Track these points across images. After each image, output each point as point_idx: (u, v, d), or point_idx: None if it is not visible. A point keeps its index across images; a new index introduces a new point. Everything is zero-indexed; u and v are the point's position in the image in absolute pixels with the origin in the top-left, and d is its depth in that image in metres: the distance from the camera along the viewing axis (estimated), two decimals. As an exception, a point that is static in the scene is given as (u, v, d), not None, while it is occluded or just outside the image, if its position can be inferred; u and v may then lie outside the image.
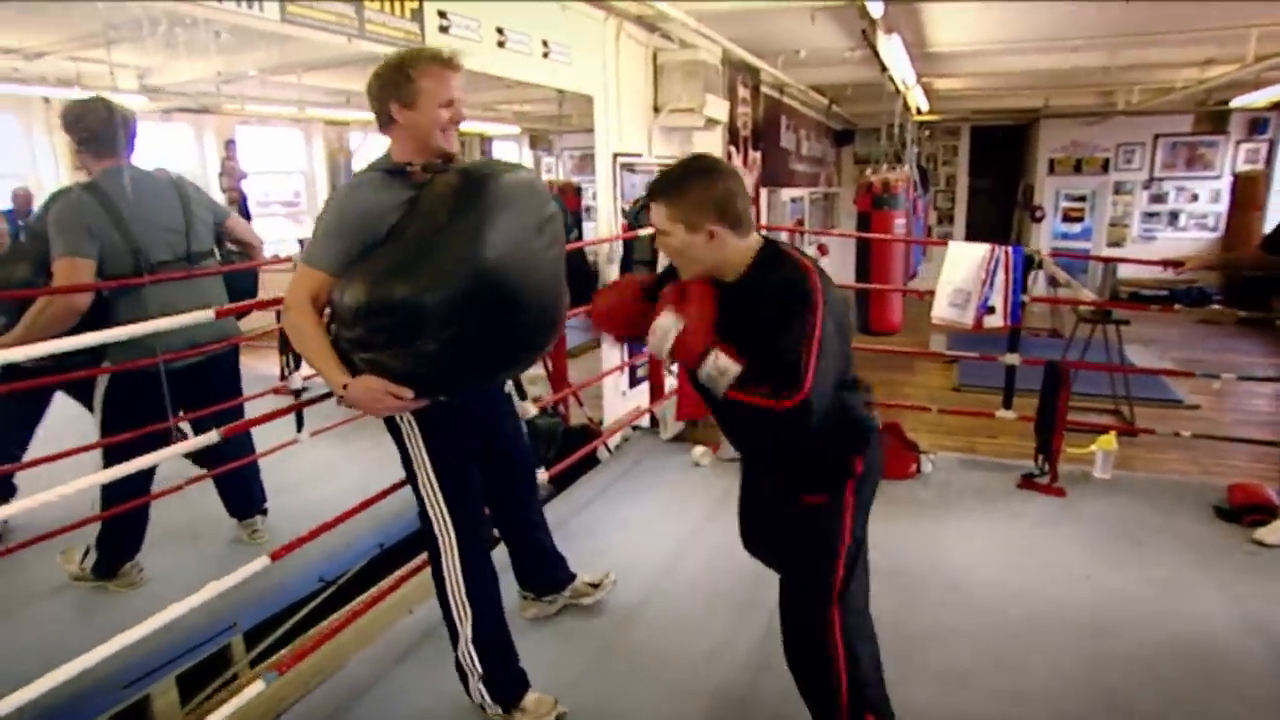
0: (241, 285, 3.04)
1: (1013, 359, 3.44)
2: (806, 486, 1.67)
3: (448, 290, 1.64)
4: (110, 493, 2.61)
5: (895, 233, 5.39)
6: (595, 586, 2.49)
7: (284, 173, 9.19)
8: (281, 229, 8.84)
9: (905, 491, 3.43)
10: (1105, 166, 10.54)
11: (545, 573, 2.44)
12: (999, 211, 11.66)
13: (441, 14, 2.94)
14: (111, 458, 2.55)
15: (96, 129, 2.43)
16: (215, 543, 3.05)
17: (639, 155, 4.75)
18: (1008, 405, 3.54)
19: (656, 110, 4.91)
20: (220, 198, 8.41)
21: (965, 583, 2.64)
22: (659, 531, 3.07)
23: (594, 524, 3.16)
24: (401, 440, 1.88)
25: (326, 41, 2.49)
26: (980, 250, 3.34)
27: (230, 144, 7.98)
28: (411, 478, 1.91)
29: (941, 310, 3.44)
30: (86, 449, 2.64)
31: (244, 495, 3.00)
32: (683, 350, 1.50)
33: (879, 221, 5.37)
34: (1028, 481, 3.40)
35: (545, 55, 3.66)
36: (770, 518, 1.88)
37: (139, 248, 2.43)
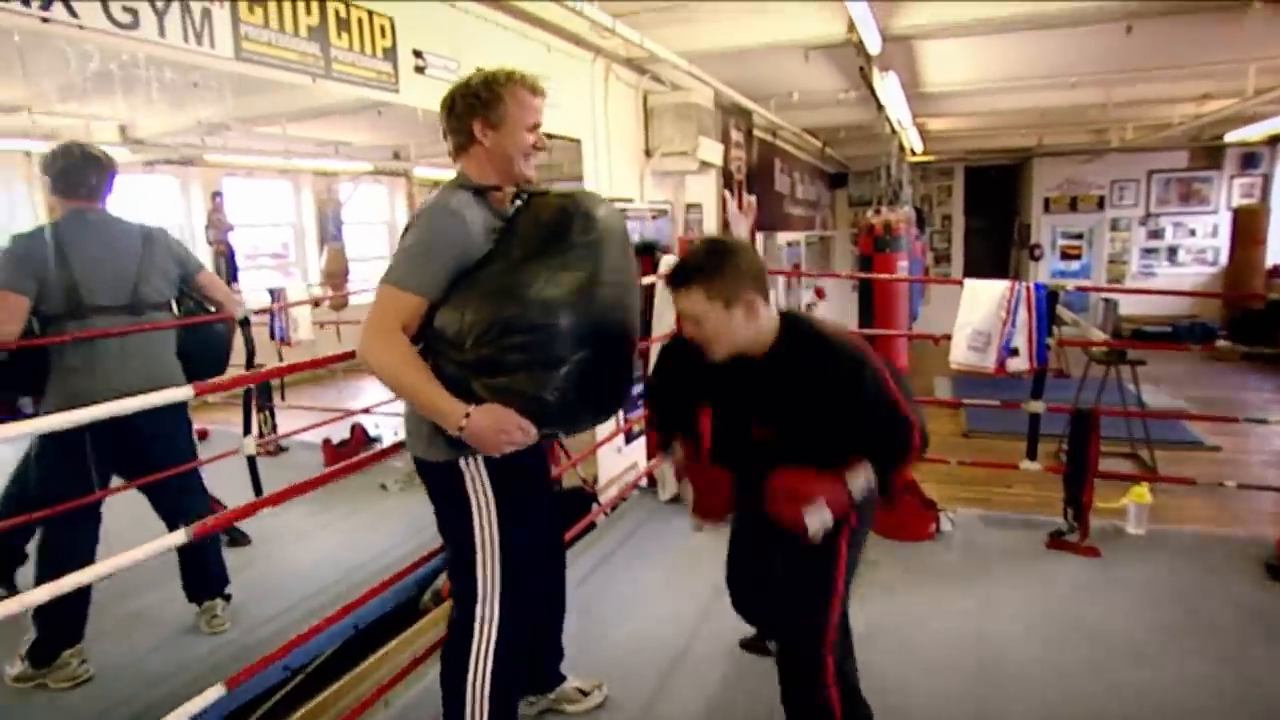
0: (206, 343, 2.83)
1: (1037, 406, 3.19)
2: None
3: (579, 313, 1.57)
4: (45, 561, 2.40)
5: (899, 274, 5.19)
6: (584, 694, 2.17)
7: (272, 225, 9.02)
8: (270, 281, 8.65)
9: (927, 555, 3.15)
10: (1101, 204, 10.48)
11: (540, 667, 2.13)
12: (996, 250, 11.55)
13: (417, 53, 2.76)
14: (44, 522, 2.39)
15: (67, 171, 2.40)
16: (169, 629, 2.75)
17: (631, 200, 4.56)
18: (1032, 456, 3.29)
19: (648, 154, 4.75)
20: (207, 251, 8.26)
21: (1004, 662, 2.35)
22: (662, 614, 2.75)
23: (591, 601, 2.86)
24: (464, 500, 1.64)
25: (291, 83, 2.29)
26: (999, 288, 3.11)
27: (217, 196, 7.81)
28: (463, 544, 1.67)
29: (960, 354, 3.20)
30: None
31: (200, 576, 2.70)
32: (839, 509, 1.56)
33: (882, 264, 5.19)
34: (1058, 541, 3.12)
35: (531, 97, 3.48)
36: (765, 572, 1.94)
37: (75, 287, 2.33)
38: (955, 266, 11.58)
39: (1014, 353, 3.09)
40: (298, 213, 9.00)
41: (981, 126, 8.18)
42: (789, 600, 1.78)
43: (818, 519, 1.55)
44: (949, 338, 3.31)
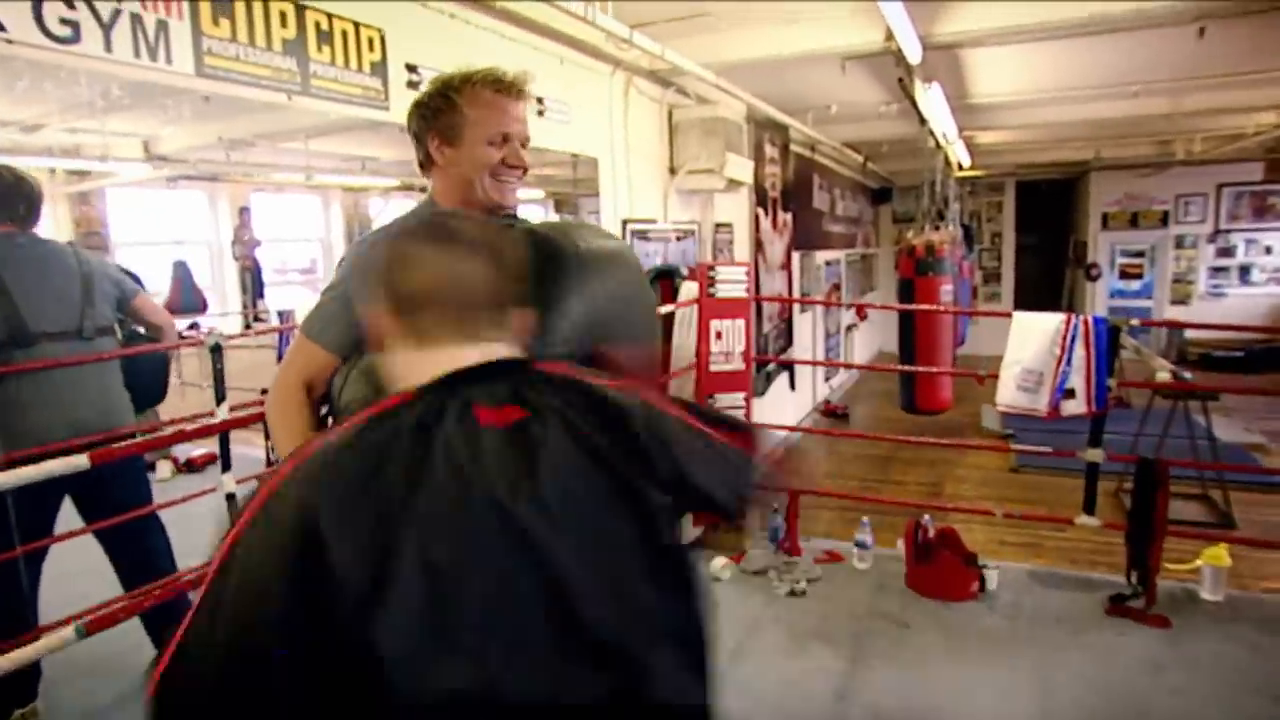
0: (141, 376, 2.70)
1: (1096, 455, 2.87)
2: None
3: None
4: None
5: (942, 301, 4.88)
6: None
7: (300, 240, 9.04)
8: (297, 297, 8.63)
9: (967, 618, 2.85)
10: (1164, 220, 9.93)
11: None
12: (1049, 269, 11.06)
13: (410, 67, 2.59)
14: None
15: None
16: (133, 680, 2.58)
17: (653, 221, 4.35)
18: (1089, 510, 2.96)
19: (673, 172, 4.54)
20: (233, 266, 8.29)
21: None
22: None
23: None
24: None
25: (264, 101, 2.13)
26: (1053, 322, 2.81)
27: (244, 211, 7.84)
28: None
29: (1008, 395, 2.90)
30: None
31: (169, 623, 2.53)
32: None
33: (923, 289, 4.87)
34: (1119, 606, 2.79)
35: (540, 114, 3.30)
36: None
37: (16, 312, 2.19)
38: (1005, 286, 11.13)
39: (1069, 394, 2.79)
40: (326, 228, 9.00)
41: (1034, 139, 7.79)
42: None
43: None
44: (995, 376, 3.01)
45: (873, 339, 10.87)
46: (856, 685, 2.41)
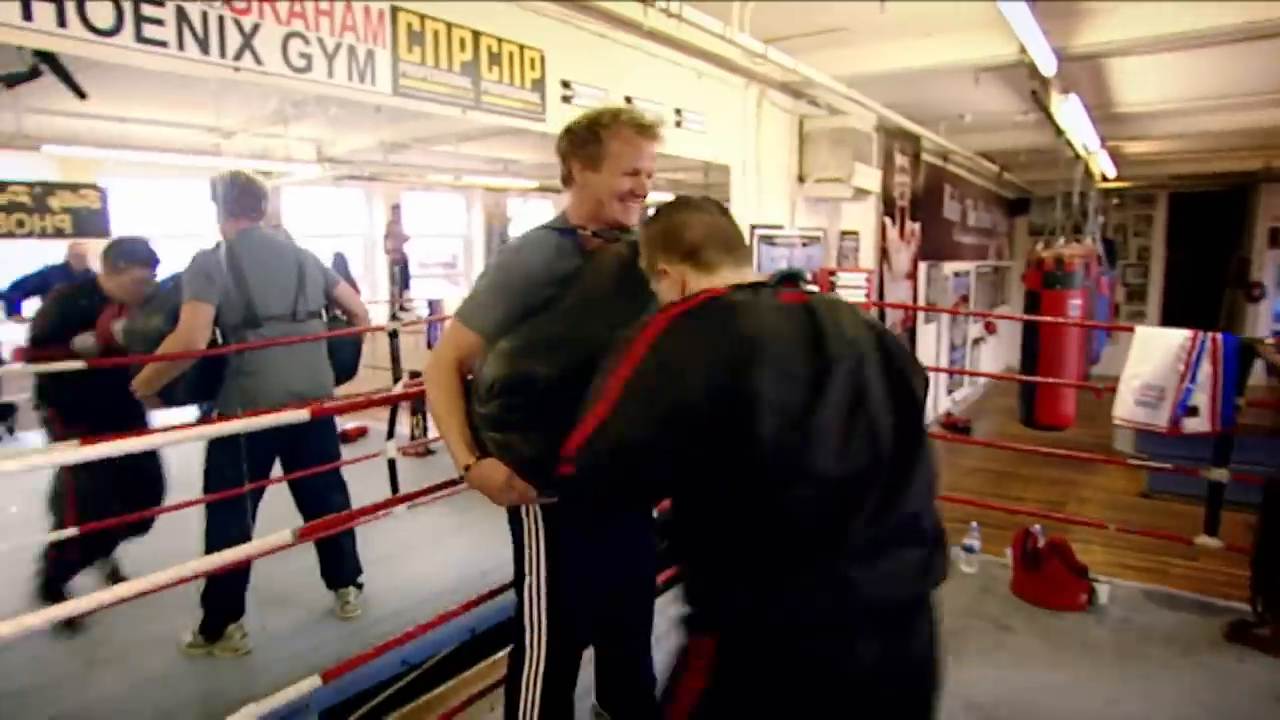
0: (341, 354, 3.10)
1: (1220, 474, 2.82)
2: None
3: (569, 370, 1.48)
4: (214, 543, 2.64)
5: (1069, 314, 4.78)
6: None
7: (444, 236, 9.73)
8: (438, 288, 9.33)
9: (1072, 627, 2.86)
10: (1339, 237, 9.08)
11: (635, 706, 2.05)
12: (1204, 289, 10.32)
13: (565, 83, 2.90)
14: (213, 507, 2.67)
15: (235, 195, 2.66)
16: (310, 612, 3.02)
17: (780, 227, 4.53)
18: (1211, 531, 2.91)
19: (801, 180, 4.70)
20: (384, 259, 9.03)
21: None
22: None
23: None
24: (519, 533, 1.70)
25: (442, 114, 2.49)
26: (1178, 337, 2.79)
27: (396, 208, 8.55)
28: (518, 577, 1.72)
29: (1126, 409, 2.89)
30: (187, 504, 2.70)
31: (337, 564, 2.97)
32: None
33: (1050, 302, 4.79)
34: (1239, 632, 2.73)
35: (678, 124, 3.56)
36: None
37: (251, 299, 2.59)
38: (1151, 305, 10.48)
39: (1191, 412, 2.76)
40: (468, 225, 9.66)
41: (1191, 149, 7.38)
42: None
43: None
44: (1114, 389, 3.00)
45: (1000, 354, 10.51)
46: (952, 679, 2.50)
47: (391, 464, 3.05)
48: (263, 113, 5.26)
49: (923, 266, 7.37)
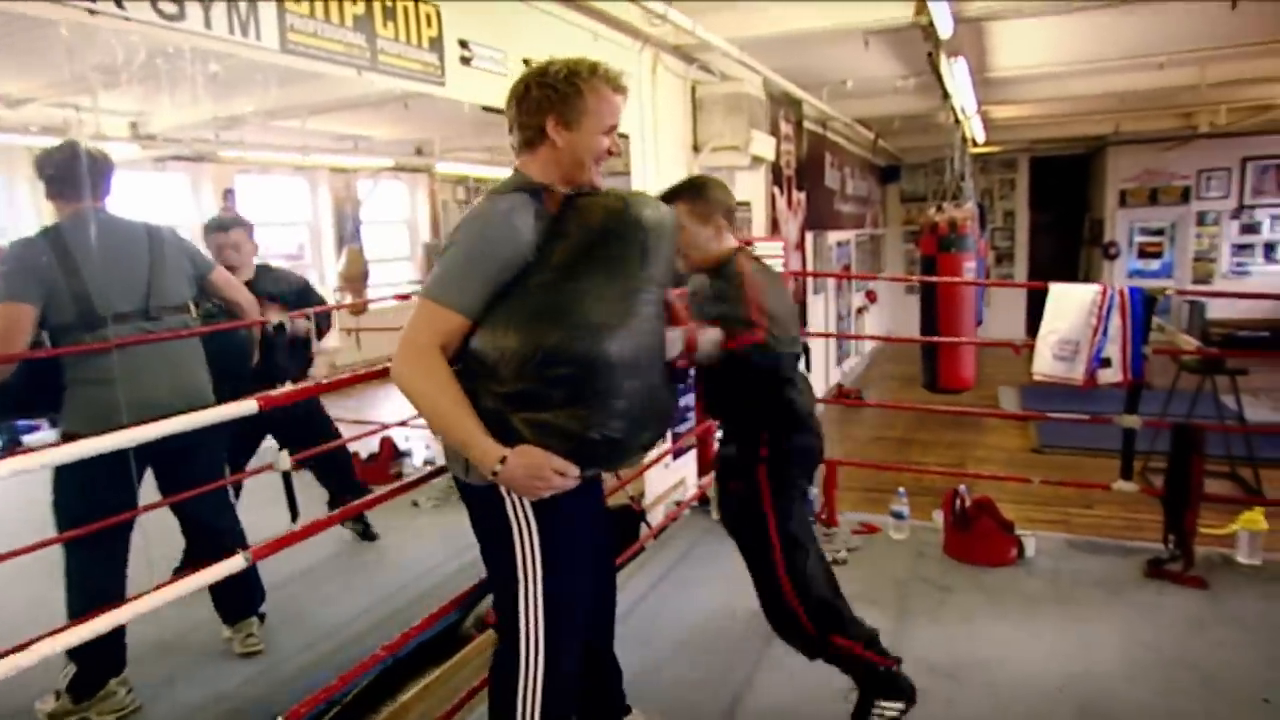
0: (230, 349, 2.88)
1: (1132, 421, 3.13)
2: (729, 473, 2.24)
3: (628, 336, 1.54)
4: (78, 591, 2.42)
5: (965, 277, 5.13)
6: None
7: (287, 224, 9.16)
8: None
9: (1007, 581, 3.10)
10: (1185, 196, 10.25)
11: (605, 695, 2.11)
12: (1064, 249, 11.40)
13: (463, 43, 2.80)
14: (71, 547, 2.41)
15: (62, 172, 2.39)
16: (198, 652, 2.79)
17: (678, 197, 4.57)
18: (1127, 475, 3.22)
19: (696, 149, 4.76)
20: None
21: (1111, 710, 2.30)
22: (724, 646, 2.75)
23: (645, 628, 2.86)
24: (505, 527, 1.61)
25: (330, 75, 2.33)
26: (1089, 293, 3.07)
27: (228, 194, 7.96)
28: (505, 574, 1.64)
29: (1045, 365, 3.15)
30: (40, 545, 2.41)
31: (236, 594, 2.73)
32: (690, 347, 1.81)
33: (946, 265, 5.11)
34: (1157, 569, 3.06)
35: (576, 88, 3.50)
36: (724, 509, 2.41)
37: (87, 295, 2.33)
38: (1019, 266, 11.46)
39: (1105, 363, 3.04)
40: (314, 211, 9.12)
41: (1051, 114, 8.06)
42: (737, 529, 2.26)
43: (671, 339, 1.74)
44: (1031, 346, 3.26)
45: (882, 323, 11.16)
46: (905, 641, 2.64)
47: (286, 477, 2.85)
48: (61, 76, 4.74)
49: (809, 237, 7.67)
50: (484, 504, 1.62)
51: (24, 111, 5.31)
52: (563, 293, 1.52)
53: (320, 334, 3.59)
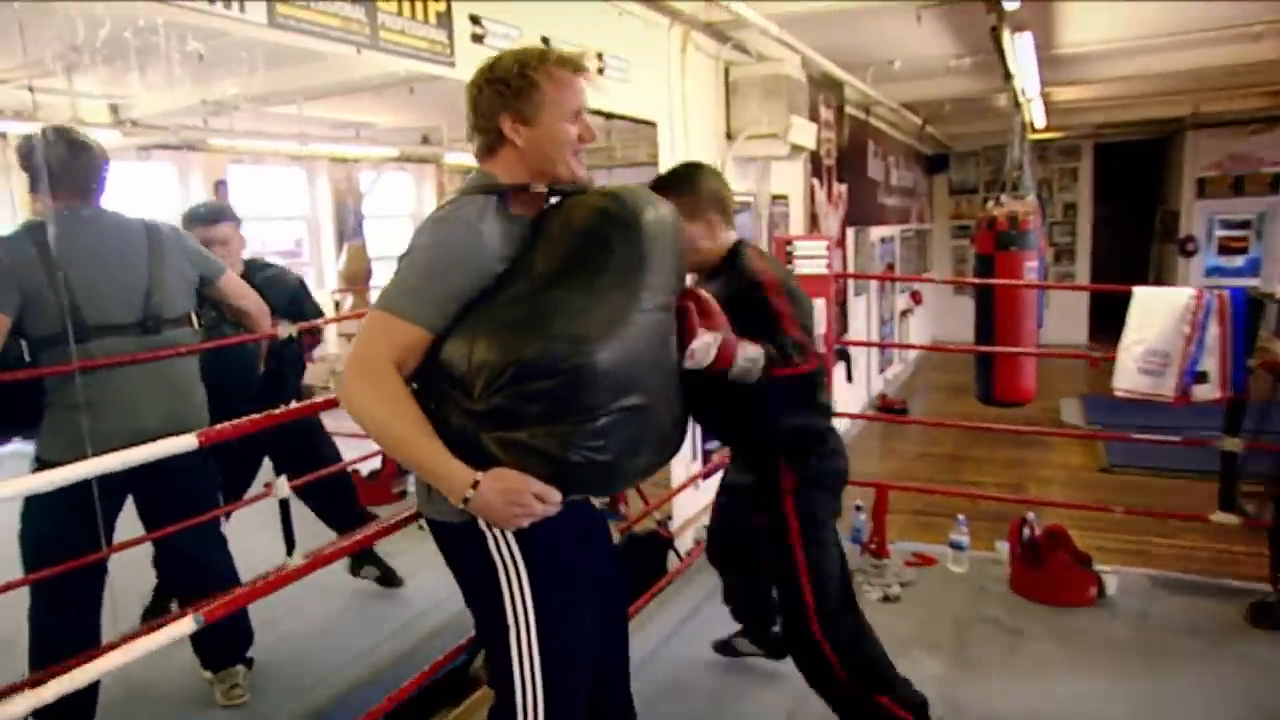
0: (237, 362, 2.79)
1: (1234, 444, 2.96)
2: (746, 505, 2.23)
3: (618, 350, 1.46)
4: (43, 641, 2.31)
5: (1026, 278, 4.96)
6: None
7: (284, 218, 9.13)
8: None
9: (1087, 625, 2.94)
10: (1275, 184, 9.84)
11: None
12: (1131, 244, 11.13)
13: (474, 19, 2.70)
14: (38, 593, 2.30)
15: (51, 163, 2.26)
16: (182, 700, 2.70)
17: (710, 190, 4.45)
18: (1227, 506, 3.05)
19: (729, 137, 4.64)
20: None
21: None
22: (764, 694, 2.62)
23: (677, 672, 2.73)
24: (488, 568, 1.53)
25: (326, 54, 2.24)
26: (1182, 297, 2.90)
27: (220, 186, 7.93)
28: (492, 621, 1.56)
29: (1128, 379, 2.99)
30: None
31: (222, 638, 2.62)
32: (724, 354, 1.71)
33: (1005, 265, 4.94)
34: (1263, 615, 2.88)
35: (600, 71, 3.40)
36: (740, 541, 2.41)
37: (74, 303, 2.20)
38: (1080, 264, 11.20)
39: (1201, 378, 2.87)
40: (313, 205, 9.08)
41: (1120, 94, 7.86)
42: (769, 582, 2.21)
43: (704, 344, 1.67)
44: (1111, 358, 3.11)
45: (927, 326, 10.98)
46: (971, 695, 2.51)
47: (284, 505, 2.76)
48: (34, 55, 4.68)
49: (850, 233, 7.54)
50: (461, 543, 1.54)
51: (-2, 94, 5.30)
52: (543, 301, 1.45)
53: (313, 342, 3.47)
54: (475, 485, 1.40)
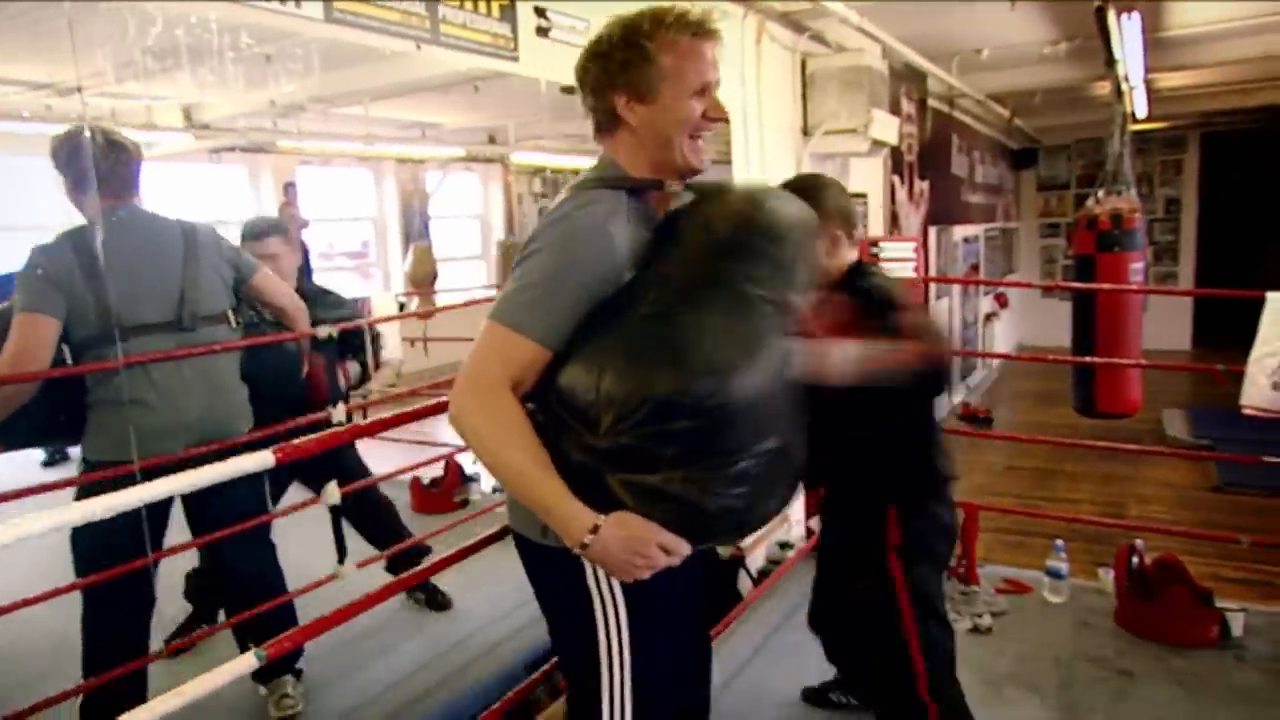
0: (274, 363, 2.77)
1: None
2: (844, 568, 2.06)
3: (765, 384, 1.32)
4: (95, 647, 2.35)
5: (1132, 281, 4.67)
6: None
7: (351, 219, 9.26)
8: (347, 284, 8.85)
9: (1210, 668, 2.71)
10: None
11: None
12: (1244, 244, 10.53)
13: (539, 11, 2.60)
14: (90, 597, 2.34)
15: (85, 163, 2.27)
16: (233, 712, 2.67)
17: (786, 189, 4.30)
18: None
19: (806, 133, 4.47)
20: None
21: None
22: None
23: (744, 708, 2.60)
24: (583, 596, 1.44)
25: (387, 51, 2.17)
26: (1320, 307, 2.67)
27: (290, 187, 8.07)
28: (582, 653, 1.47)
29: (1259, 395, 2.75)
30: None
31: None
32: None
33: (1109, 267, 4.67)
34: None
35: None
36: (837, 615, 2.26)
37: (110, 306, 2.23)
38: (1184, 265, 10.65)
39: (1344, 394, 2.63)
40: (379, 205, 9.20)
41: (1233, 79, 7.38)
42: (864, 648, 2.05)
43: (843, 353, 1.56)
44: (1238, 370, 2.86)
45: (1012, 330, 10.59)
46: (1081, 747, 2.32)
47: (335, 511, 2.72)
48: (113, 62, 4.80)
49: (932, 232, 7.28)
50: (555, 568, 1.43)
51: (75, 100, 5.45)
52: (678, 324, 1.30)
53: (363, 378, 3.35)
54: (595, 529, 1.28)
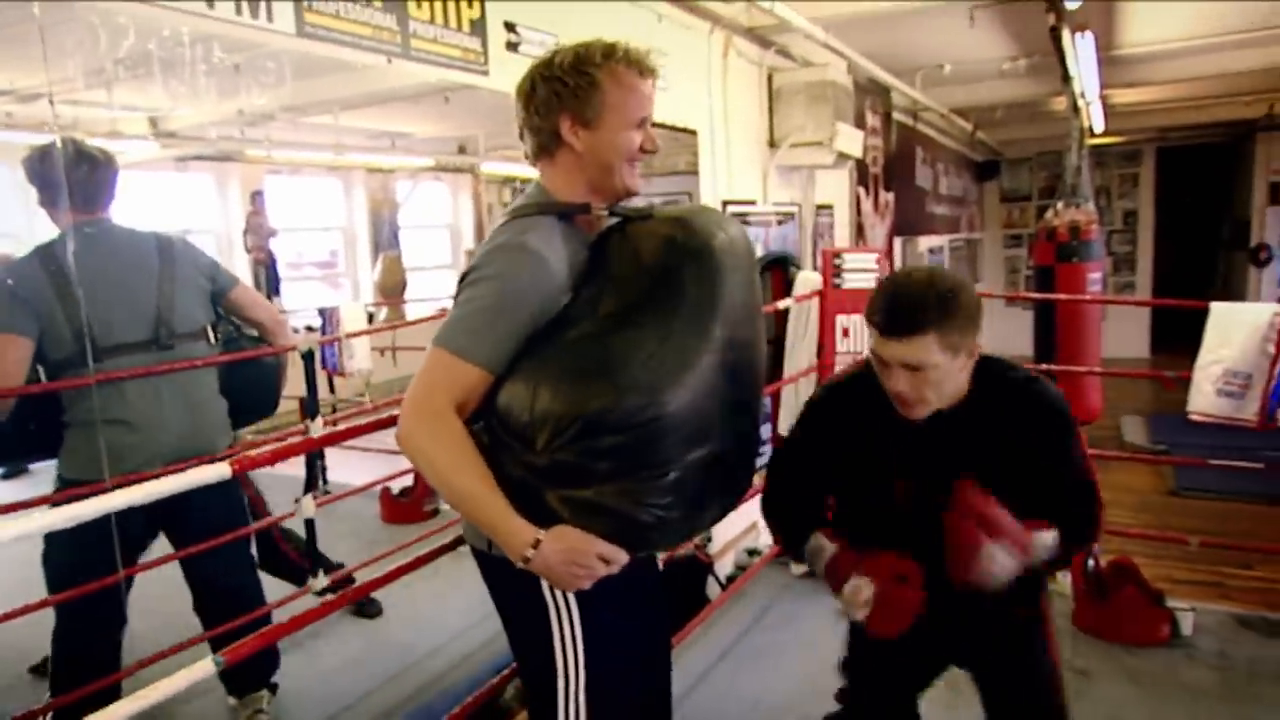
0: (251, 380, 2.77)
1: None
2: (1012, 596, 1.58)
3: (692, 399, 1.37)
4: (64, 664, 2.32)
5: (1089, 291, 4.81)
6: None
7: (320, 229, 9.21)
8: (316, 295, 8.78)
9: (1161, 667, 2.79)
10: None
11: None
12: (1197, 254, 10.80)
13: (509, 26, 2.65)
14: (62, 614, 2.31)
15: (58, 175, 2.24)
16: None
17: (753, 203, 4.37)
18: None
19: (773, 145, 4.56)
20: (244, 259, 8.46)
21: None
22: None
23: (710, 714, 2.64)
24: (538, 607, 1.46)
25: (358, 64, 2.20)
26: (1264, 314, 2.76)
27: (257, 196, 8.00)
28: (539, 664, 1.49)
29: (1205, 401, 2.85)
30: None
31: (245, 664, 2.58)
32: (1021, 556, 1.46)
33: (1068, 277, 4.81)
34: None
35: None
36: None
37: (86, 325, 2.18)
38: (1141, 275, 10.90)
39: (1287, 401, 2.73)
40: (348, 215, 9.15)
41: (1186, 96, 7.62)
42: (1021, 673, 1.80)
43: (999, 561, 1.44)
44: (1187, 376, 2.96)
45: (991, 345, 10.76)
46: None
47: (309, 525, 2.72)
48: (76, 69, 4.75)
49: (898, 244, 7.40)
50: (511, 580, 1.45)
51: (37, 107, 5.39)
52: (610, 345, 1.35)
53: None
54: (536, 544, 1.33)
